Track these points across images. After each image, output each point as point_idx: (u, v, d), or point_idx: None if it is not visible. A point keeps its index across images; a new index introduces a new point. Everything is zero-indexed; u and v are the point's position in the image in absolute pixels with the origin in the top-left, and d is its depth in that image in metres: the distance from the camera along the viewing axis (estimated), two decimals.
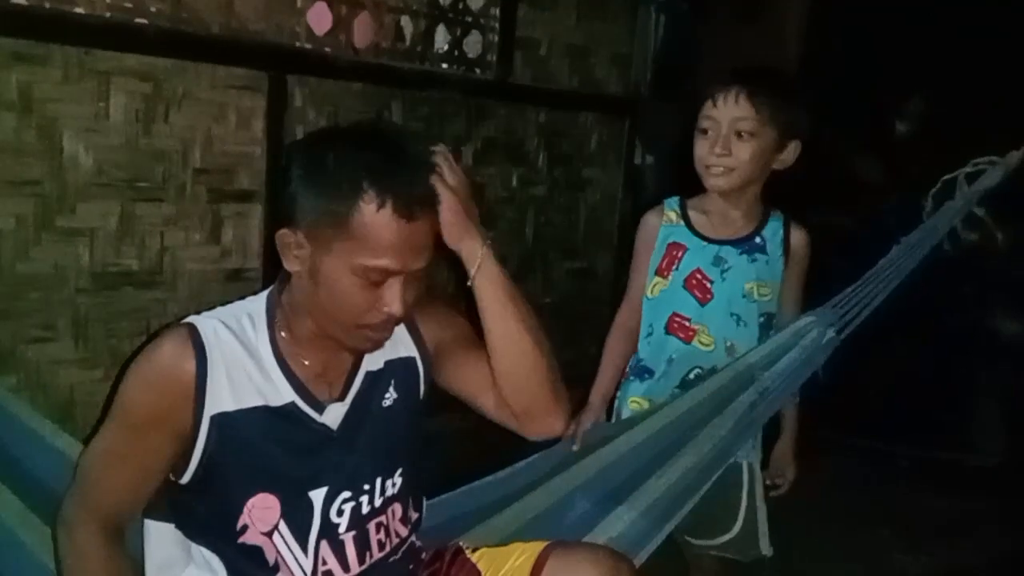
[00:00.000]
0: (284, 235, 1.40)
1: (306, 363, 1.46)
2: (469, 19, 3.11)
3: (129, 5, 2.27)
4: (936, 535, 3.34)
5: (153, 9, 2.30)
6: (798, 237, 2.07)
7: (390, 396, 1.54)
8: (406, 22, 2.97)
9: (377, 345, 1.47)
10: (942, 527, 3.42)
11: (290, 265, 1.42)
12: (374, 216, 1.34)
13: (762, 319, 2.04)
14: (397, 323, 1.45)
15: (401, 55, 2.93)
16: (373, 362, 1.53)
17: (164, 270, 2.39)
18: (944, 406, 4.02)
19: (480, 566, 1.59)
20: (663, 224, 2.09)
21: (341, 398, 1.49)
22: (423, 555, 1.63)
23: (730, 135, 1.95)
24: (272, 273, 2.56)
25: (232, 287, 2.52)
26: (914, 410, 3.96)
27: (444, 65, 3.07)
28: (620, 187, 3.71)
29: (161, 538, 1.48)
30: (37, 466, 1.65)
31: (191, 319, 1.42)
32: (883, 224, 2.07)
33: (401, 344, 1.56)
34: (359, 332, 1.43)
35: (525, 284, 3.37)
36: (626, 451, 1.90)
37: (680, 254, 2.06)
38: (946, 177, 2.00)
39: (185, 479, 1.41)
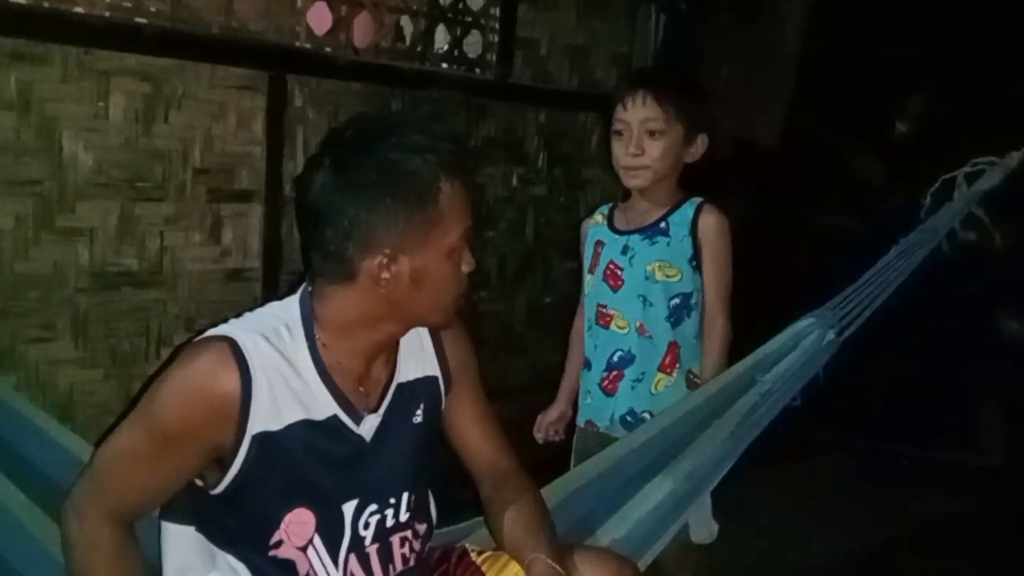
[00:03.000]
0: (376, 266, 1.37)
1: (345, 374, 1.45)
2: (469, 19, 3.11)
3: (129, 5, 2.26)
4: (936, 535, 3.34)
5: (153, 9, 2.30)
6: (707, 220, 2.11)
7: (420, 413, 1.54)
8: (406, 22, 2.97)
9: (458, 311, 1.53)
10: (942, 527, 3.42)
11: (384, 287, 1.39)
12: (451, 190, 1.40)
13: (676, 300, 2.11)
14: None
15: (401, 55, 2.93)
16: (405, 374, 1.54)
17: (164, 270, 2.39)
18: (944, 406, 4.02)
19: (484, 568, 1.58)
20: (591, 226, 2.28)
21: (376, 409, 1.48)
22: (433, 556, 1.63)
23: (641, 135, 2.08)
24: (272, 273, 2.60)
25: (232, 287, 2.53)
26: (914, 410, 3.96)
27: (444, 65, 3.07)
28: (620, 187, 3.70)
29: (181, 541, 1.46)
30: (42, 462, 1.66)
31: (228, 331, 1.38)
32: (883, 224, 2.07)
33: (428, 362, 1.58)
34: (455, 305, 1.49)
35: (525, 284, 3.38)
36: (628, 453, 1.90)
37: (600, 250, 2.21)
38: (945, 177, 2.01)
39: (218, 490, 1.38)
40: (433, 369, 1.58)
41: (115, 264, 2.29)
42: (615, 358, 2.15)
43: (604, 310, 2.17)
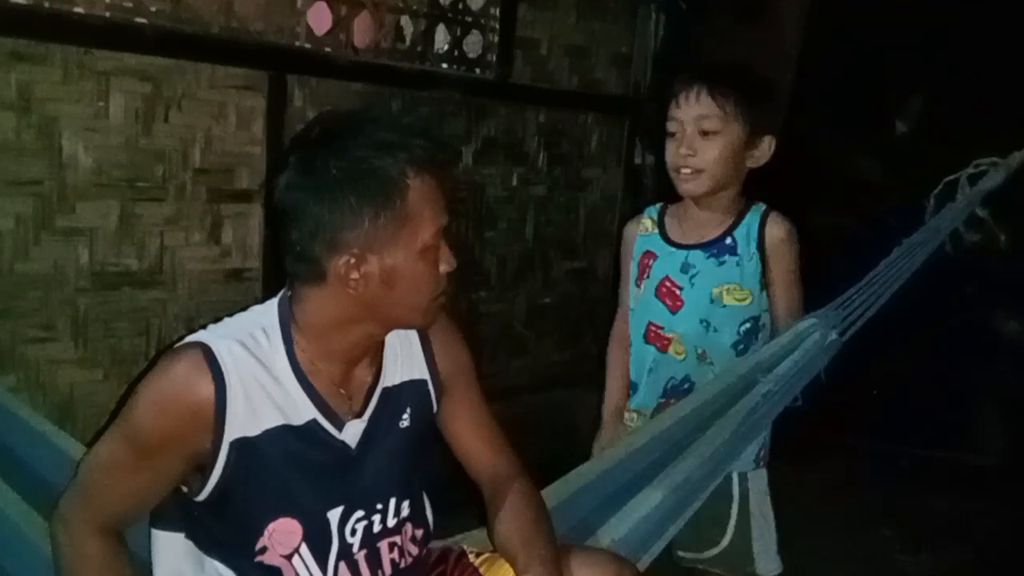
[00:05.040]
0: (343, 266, 1.35)
1: (325, 378, 1.44)
2: (469, 19, 3.11)
3: (129, 5, 2.26)
4: (936, 535, 3.34)
5: (153, 9, 2.30)
6: (774, 231, 1.95)
7: (407, 417, 1.52)
8: (406, 22, 2.96)
9: (441, 310, 1.50)
10: (942, 527, 3.42)
11: (353, 288, 1.36)
12: (422, 187, 1.37)
13: (746, 325, 1.97)
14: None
15: (401, 55, 2.93)
16: (390, 378, 1.52)
17: (164, 270, 2.39)
18: (945, 406, 4.02)
19: (482, 570, 1.58)
20: (639, 233, 2.09)
21: (360, 414, 1.47)
22: (431, 557, 1.63)
23: (695, 134, 1.90)
24: (272, 273, 2.59)
25: (232, 287, 2.52)
26: (915, 410, 3.96)
27: (444, 65, 3.07)
28: (620, 187, 3.71)
29: (170, 549, 1.47)
30: (39, 465, 1.65)
31: (203, 338, 1.38)
32: (885, 225, 2.06)
33: (415, 366, 1.56)
34: (434, 305, 1.45)
35: (525, 284, 3.38)
36: (628, 455, 1.89)
37: (651, 262, 2.04)
38: (948, 178, 2.00)
39: (201, 497, 1.38)
40: (421, 373, 1.56)
41: (115, 264, 2.29)
42: (669, 385, 2.02)
43: (660, 332, 2.01)
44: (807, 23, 4.07)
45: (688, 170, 1.92)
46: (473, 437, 1.64)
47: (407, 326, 1.50)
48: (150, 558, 1.49)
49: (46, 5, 2.14)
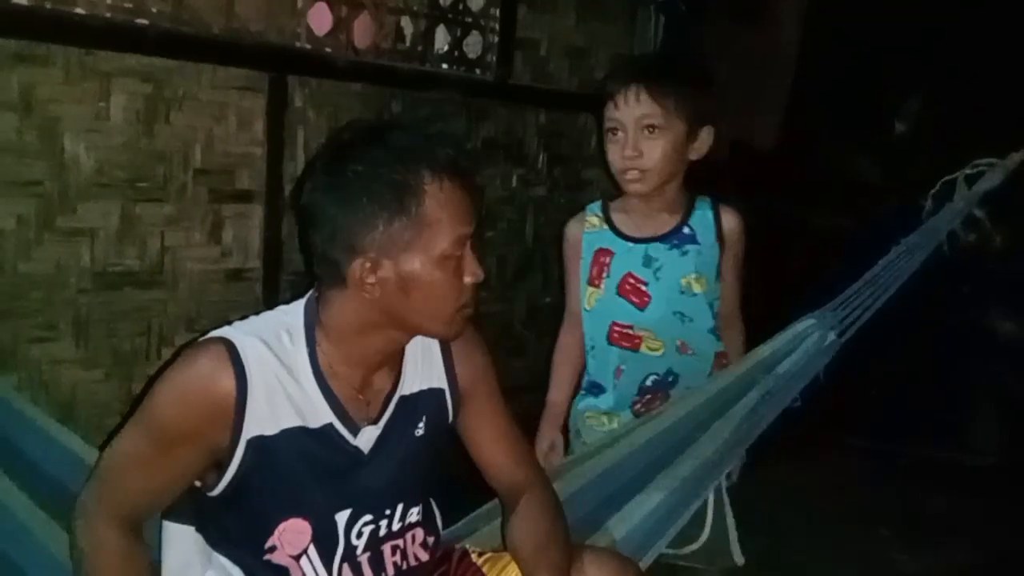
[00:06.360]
0: (359, 268, 1.36)
1: (345, 382, 1.44)
2: (469, 19, 3.11)
3: (130, 6, 2.26)
4: (936, 535, 3.35)
5: (154, 10, 2.30)
6: (730, 220, 2.00)
7: (422, 426, 1.53)
8: (406, 22, 2.97)
9: (468, 321, 1.49)
10: (942, 527, 3.42)
11: (369, 292, 1.37)
12: (440, 193, 1.36)
13: (715, 310, 2.02)
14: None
15: (401, 55, 2.93)
16: (409, 386, 1.53)
17: (165, 270, 2.39)
18: (943, 406, 4.03)
19: (485, 568, 1.59)
20: (585, 231, 2.07)
21: (376, 421, 1.47)
22: (433, 557, 1.63)
23: (638, 134, 1.90)
24: (272, 273, 2.60)
25: (232, 287, 2.53)
26: (913, 410, 3.97)
27: (444, 65, 3.07)
28: (616, 188, 3.71)
29: (180, 541, 1.47)
30: (44, 462, 1.66)
31: (227, 334, 1.39)
32: (883, 225, 2.06)
33: (435, 375, 1.56)
34: (458, 315, 1.44)
35: (525, 284, 3.39)
36: (629, 454, 1.90)
37: (608, 260, 2.02)
38: (946, 178, 2.01)
39: (215, 492, 1.39)
40: (440, 382, 1.56)
41: (116, 264, 2.30)
42: (648, 382, 2.02)
43: (628, 331, 2.01)
44: (806, 24, 4.09)
45: (636, 172, 1.93)
46: (493, 446, 1.63)
47: (430, 335, 1.50)
48: (159, 549, 1.50)
49: (47, 6, 2.14)
